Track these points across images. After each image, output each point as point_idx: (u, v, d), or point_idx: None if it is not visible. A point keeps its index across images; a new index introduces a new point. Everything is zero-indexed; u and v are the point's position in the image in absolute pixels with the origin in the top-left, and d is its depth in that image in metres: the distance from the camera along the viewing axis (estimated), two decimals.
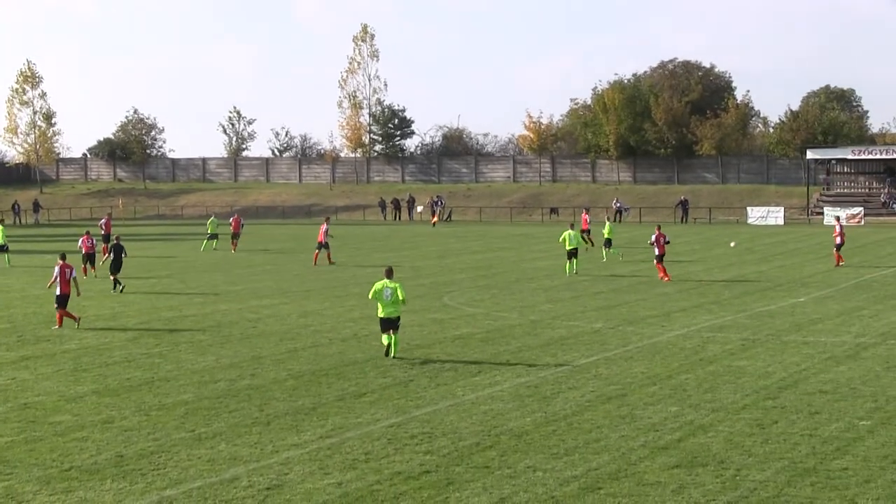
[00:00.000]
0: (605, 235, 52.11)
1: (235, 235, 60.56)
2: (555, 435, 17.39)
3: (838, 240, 47.43)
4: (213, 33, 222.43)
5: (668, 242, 42.68)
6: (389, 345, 24.47)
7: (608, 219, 58.09)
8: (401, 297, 24.31)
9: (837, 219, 54.07)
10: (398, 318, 24.68)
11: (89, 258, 44.92)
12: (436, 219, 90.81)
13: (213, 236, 61.57)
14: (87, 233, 45.88)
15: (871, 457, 15.96)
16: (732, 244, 58.54)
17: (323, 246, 50.61)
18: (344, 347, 26.12)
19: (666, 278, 41.10)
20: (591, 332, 28.40)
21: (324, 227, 51.56)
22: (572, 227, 46.20)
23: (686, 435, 17.30)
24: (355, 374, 22.69)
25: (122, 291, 38.33)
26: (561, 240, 44.99)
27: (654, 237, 42.37)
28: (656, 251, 42.07)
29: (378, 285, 24.68)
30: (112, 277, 39.28)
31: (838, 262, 46.96)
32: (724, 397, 20.03)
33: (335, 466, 15.67)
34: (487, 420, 18.46)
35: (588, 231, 58.81)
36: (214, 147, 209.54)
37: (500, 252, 57.65)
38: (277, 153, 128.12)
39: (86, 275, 43.71)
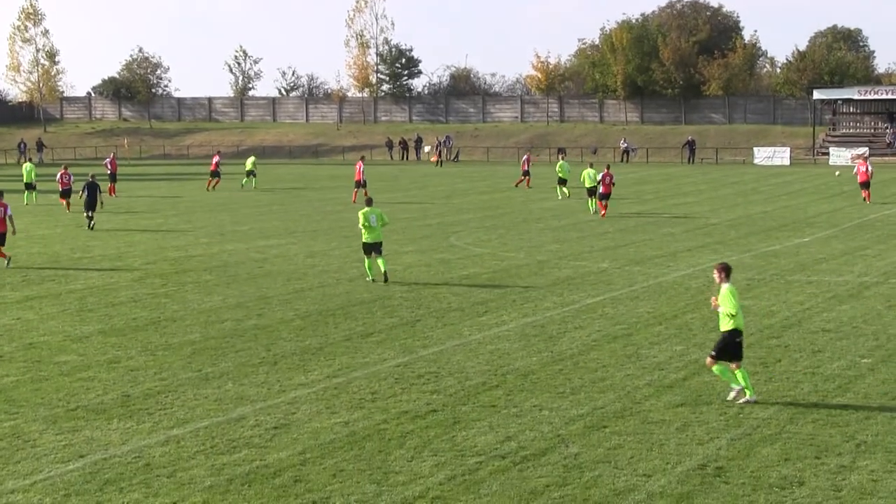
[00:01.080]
0: (559, 175, 52.93)
1: (215, 174, 60.87)
2: (561, 374, 17.53)
3: (860, 178, 48.09)
4: None
5: (613, 184, 43.67)
6: (378, 271, 26.80)
7: (561, 157, 59.96)
8: (385, 221, 27.26)
9: (864, 158, 55.50)
10: (381, 242, 27.06)
11: (65, 194, 46.60)
12: (436, 158, 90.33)
13: (251, 173, 62.10)
14: (65, 168, 48.45)
15: (871, 394, 16.10)
16: (837, 174, 59.40)
17: (361, 185, 51.15)
18: (351, 287, 26.23)
19: (603, 213, 42.68)
20: (598, 272, 28.48)
21: (360, 165, 52.65)
22: (591, 165, 46.67)
23: (691, 374, 17.44)
24: (362, 314, 22.82)
25: (92, 227, 39.23)
26: (581, 178, 45.69)
27: (601, 175, 43.12)
28: (601, 189, 42.89)
29: (365, 211, 26.96)
30: (86, 214, 39.74)
31: (867, 199, 47.69)
32: None
33: (342, 406, 15.83)
34: (494, 360, 18.60)
35: (528, 172, 60.72)
36: (220, 87, 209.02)
37: (507, 192, 57.60)
38: (284, 93, 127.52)
39: (69, 210, 45.81)
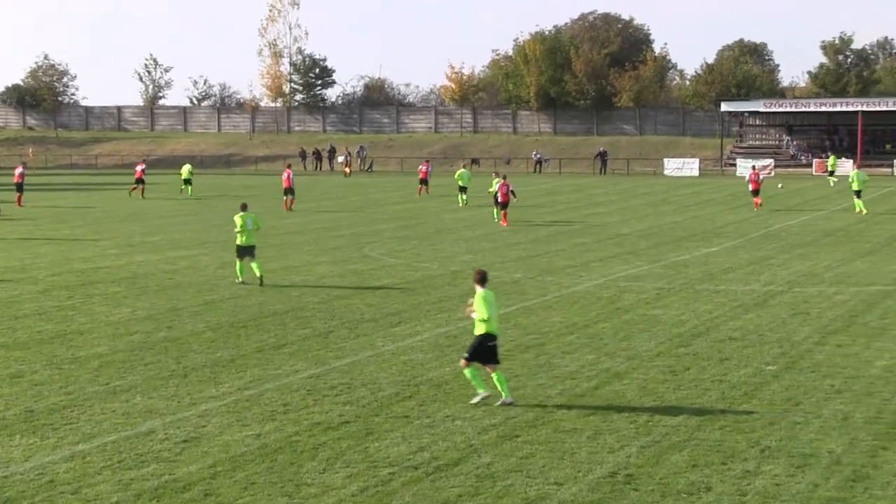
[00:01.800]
0: (459, 182, 54.90)
1: (140, 181, 62.16)
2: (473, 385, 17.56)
3: (751, 186, 50.77)
4: None
5: (513, 193, 44.70)
6: (252, 275, 27.84)
7: (465, 165, 62.00)
8: (259, 226, 28.89)
9: (753, 167, 57.70)
10: (254, 245, 28.44)
11: None
12: (349, 169, 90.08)
13: (188, 181, 64.07)
14: None
15: (776, 400, 16.44)
16: (780, 185, 60.75)
17: (290, 192, 52.65)
18: (263, 299, 26.02)
19: (503, 222, 43.78)
20: (511, 282, 28.64)
21: (288, 172, 53.53)
22: (496, 174, 48.63)
23: (602, 383, 17.61)
24: (275, 325, 22.66)
25: None
26: (456, 177, 49.00)
27: (497, 185, 44.65)
28: (500, 199, 44.28)
29: (241, 216, 28.35)
30: None
31: (756, 206, 50.24)
32: (639, 345, 20.41)
33: (254, 418, 15.69)
34: (407, 370, 18.59)
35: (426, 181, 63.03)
36: (130, 95, 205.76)
37: (421, 203, 57.68)
38: (195, 102, 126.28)
39: None
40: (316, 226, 44.60)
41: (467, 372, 16.41)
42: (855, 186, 48.56)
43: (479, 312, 16.18)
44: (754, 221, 45.36)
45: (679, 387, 17.29)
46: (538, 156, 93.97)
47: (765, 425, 15.07)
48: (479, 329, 16.28)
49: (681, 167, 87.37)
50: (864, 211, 47.45)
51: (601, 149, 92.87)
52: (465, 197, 54.18)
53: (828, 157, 75.87)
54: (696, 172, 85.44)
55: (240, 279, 28.16)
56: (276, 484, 12.90)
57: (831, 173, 70.73)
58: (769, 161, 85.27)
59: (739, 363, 18.88)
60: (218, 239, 39.49)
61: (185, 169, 65.43)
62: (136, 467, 13.51)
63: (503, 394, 16.23)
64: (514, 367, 18.64)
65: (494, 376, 16.26)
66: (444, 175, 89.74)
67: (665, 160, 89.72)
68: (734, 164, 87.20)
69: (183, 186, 64.01)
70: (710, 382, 17.55)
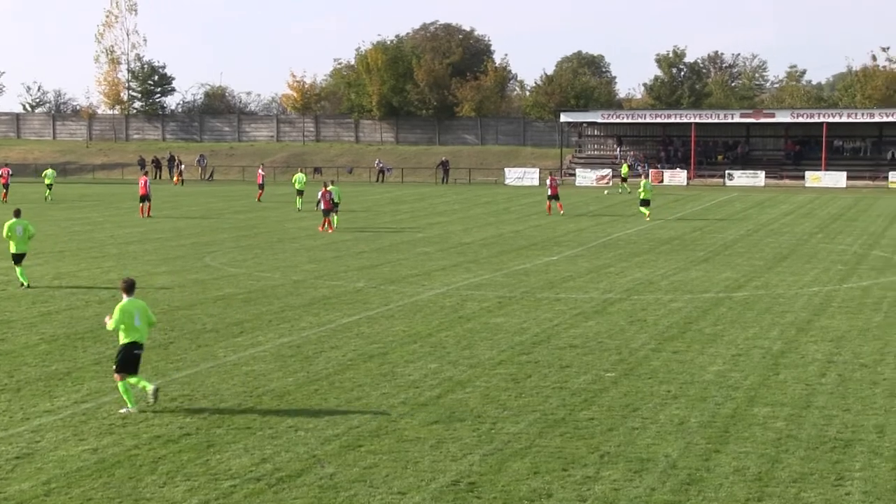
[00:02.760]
0: (296, 186, 59.33)
1: (5, 185, 65.09)
2: (317, 394, 17.50)
3: (549, 191, 55.08)
4: None
5: (333, 202, 46.04)
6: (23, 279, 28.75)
7: (301, 170, 65.74)
8: (32, 233, 29.31)
9: (551, 174, 63.79)
10: (25, 253, 29.19)
11: None
12: (177, 179, 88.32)
13: (50, 186, 66.72)
14: None
15: (614, 406, 16.85)
16: (606, 192, 61.94)
17: (145, 198, 53.42)
18: (101, 310, 25.30)
19: (330, 230, 45.42)
20: (354, 291, 28.61)
21: (144, 179, 55.14)
22: (332, 182, 51.51)
23: (445, 391, 17.75)
24: (112, 337, 22.04)
25: None
26: (293, 181, 52.71)
27: (319, 193, 46.60)
28: (322, 206, 45.95)
29: (11, 223, 28.90)
30: None
31: (549, 211, 54.80)
32: (481, 353, 20.64)
33: (90, 432, 15.28)
34: (249, 381, 18.39)
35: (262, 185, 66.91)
36: None
37: (263, 212, 57.13)
38: (29, 108, 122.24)
39: None
40: (156, 235, 43.69)
41: (121, 386, 16.37)
42: (643, 195, 51.91)
43: (112, 322, 16.36)
44: (594, 230, 46.42)
45: (521, 394, 17.55)
46: (381, 165, 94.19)
47: (604, 431, 15.43)
48: (125, 338, 16.39)
49: (521, 177, 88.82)
50: (649, 218, 51.01)
51: (443, 158, 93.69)
52: (301, 200, 57.93)
53: (622, 166, 79.80)
54: (536, 182, 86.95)
55: (25, 284, 28.60)
56: (113, 499, 12.58)
57: (624, 180, 74.83)
58: (608, 171, 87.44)
59: (579, 370, 19.29)
60: (53, 249, 38.31)
61: (48, 173, 67.82)
62: None
63: (129, 403, 16.27)
64: (357, 377, 18.63)
65: (121, 385, 16.32)
66: (285, 185, 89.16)
67: (506, 170, 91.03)
68: (574, 175, 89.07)
69: (48, 192, 66.02)
70: (552, 389, 17.88)
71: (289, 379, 18.54)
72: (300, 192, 58.67)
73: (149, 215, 52.93)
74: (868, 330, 23.20)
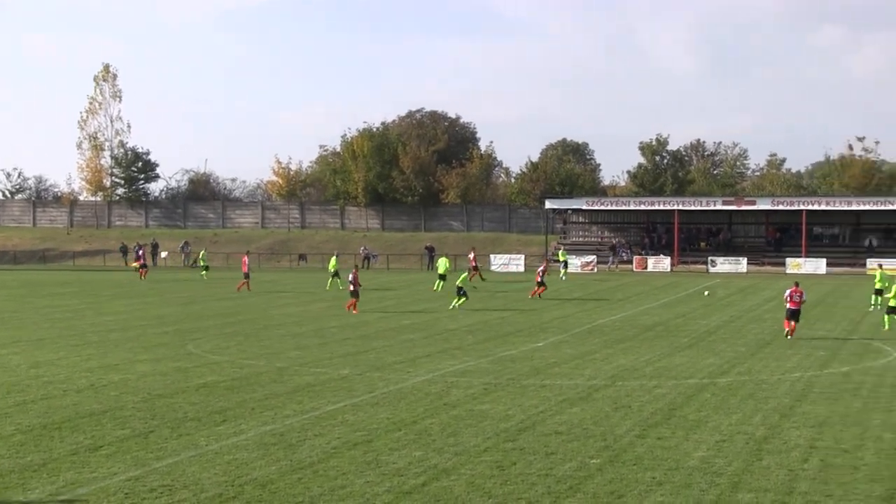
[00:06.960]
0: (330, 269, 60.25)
1: None
2: (300, 483, 17.23)
3: (536, 278, 56.54)
4: None
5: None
6: None
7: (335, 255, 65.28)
8: None
9: (546, 259, 65.81)
10: None
11: None
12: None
13: None
14: None
15: (599, 493, 16.63)
16: (707, 293, 59.16)
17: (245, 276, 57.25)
18: (79, 399, 25.04)
19: (355, 311, 46.45)
20: (338, 378, 28.39)
21: (141, 249, 56.17)
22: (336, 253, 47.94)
23: (430, 479, 17.50)
24: (91, 426, 21.79)
25: None
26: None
27: (351, 276, 47.63)
28: (352, 286, 47.12)
29: None
30: None
31: (532, 294, 56.24)
32: (466, 441, 20.41)
33: None
34: (231, 470, 18.10)
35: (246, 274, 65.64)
36: None
37: (248, 298, 56.92)
38: (9, 195, 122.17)
39: None
40: (138, 322, 43.43)
41: None
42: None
43: None
44: (579, 317, 46.35)
45: (506, 482, 17.32)
46: (366, 251, 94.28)
47: None
48: None
49: (507, 263, 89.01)
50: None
51: (429, 244, 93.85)
52: (340, 281, 59.70)
53: (558, 251, 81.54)
54: (521, 268, 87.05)
55: None
56: None
57: (565, 265, 75.96)
58: (592, 258, 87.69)
59: (565, 457, 19.08)
60: (31, 337, 38.02)
61: None
62: None
63: None
64: (341, 465, 18.37)
65: None
66: (270, 271, 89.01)
67: (492, 256, 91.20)
68: (559, 261, 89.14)
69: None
70: (537, 477, 17.65)
71: (272, 467, 18.26)
72: (336, 274, 62.67)
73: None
74: (848, 415, 23.15)
